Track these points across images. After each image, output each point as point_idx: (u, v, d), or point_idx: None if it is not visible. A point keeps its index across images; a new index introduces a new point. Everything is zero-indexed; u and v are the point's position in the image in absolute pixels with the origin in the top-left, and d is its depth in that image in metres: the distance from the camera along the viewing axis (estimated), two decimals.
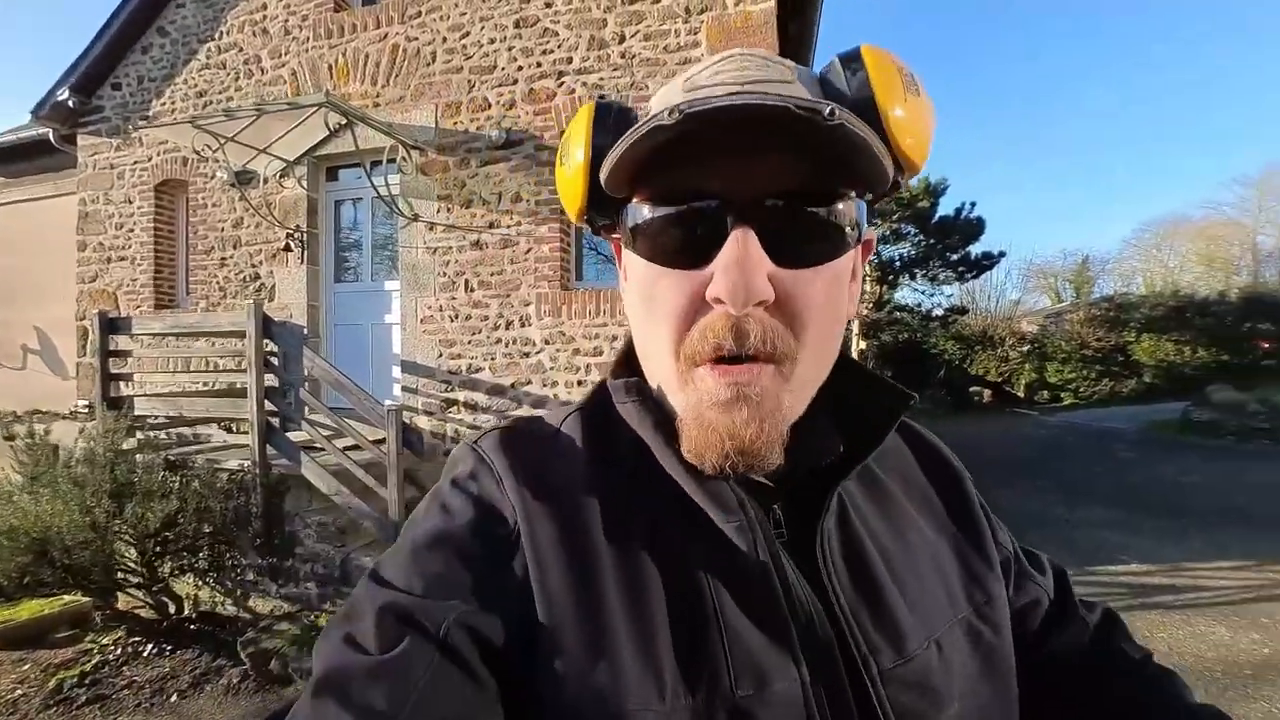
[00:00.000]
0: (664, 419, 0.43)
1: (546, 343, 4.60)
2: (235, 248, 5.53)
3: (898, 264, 16.35)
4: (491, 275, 4.74)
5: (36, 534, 2.96)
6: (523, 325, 4.66)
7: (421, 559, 0.41)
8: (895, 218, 15.09)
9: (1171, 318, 17.34)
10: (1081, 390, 17.23)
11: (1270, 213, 23.18)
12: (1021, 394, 17.18)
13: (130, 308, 5.85)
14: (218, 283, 5.61)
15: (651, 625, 0.39)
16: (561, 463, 0.46)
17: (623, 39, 4.48)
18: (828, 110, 0.34)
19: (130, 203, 5.96)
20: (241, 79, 5.56)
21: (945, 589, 0.47)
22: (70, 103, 5.96)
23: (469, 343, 4.79)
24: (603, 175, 0.40)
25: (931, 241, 15.79)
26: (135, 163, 5.94)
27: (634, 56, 4.44)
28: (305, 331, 5.07)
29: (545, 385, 4.60)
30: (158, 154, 5.82)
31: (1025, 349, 17.69)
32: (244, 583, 3.61)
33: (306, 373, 3.94)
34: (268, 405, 3.88)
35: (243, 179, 5.15)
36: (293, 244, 5.25)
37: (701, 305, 0.39)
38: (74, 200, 6.33)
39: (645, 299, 0.42)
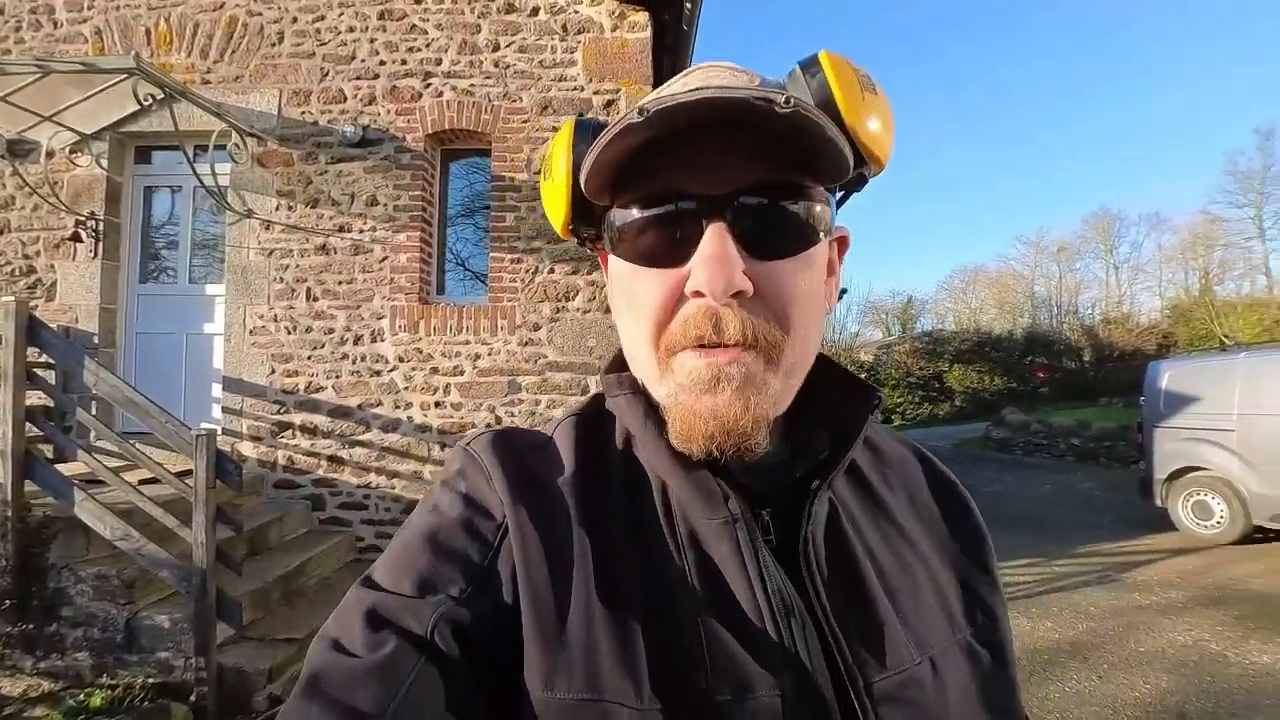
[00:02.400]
0: (653, 411, 0.44)
1: (401, 360, 4.22)
2: (1, 233, 4.47)
3: None
4: (339, 284, 4.27)
5: None
6: (374, 340, 4.24)
7: (410, 558, 0.42)
8: None
9: (975, 351, 20.50)
10: (908, 412, 19.66)
11: (1043, 267, 28.53)
12: None
13: None
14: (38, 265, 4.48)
15: (631, 623, 0.39)
16: (551, 461, 0.47)
17: (497, 47, 4.32)
18: (783, 99, 0.36)
19: None
20: (25, 29, 4.55)
21: (944, 608, 0.47)
22: None
23: (309, 358, 4.25)
24: (582, 182, 0.42)
25: None
26: None
27: (508, 67, 4.30)
28: (96, 340, 4.21)
29: (398, 407, 4.20)
30: None
31: (862, 376, 19.81)
32: None
33: (92, 390, 3.22)
34: (31, 430, 3.11)
35: (16, 151, 4.20)
36: (84, 234, 4.34)
37: (681, 299, 0.40)
38: None
39: (627, 299, 0.44)
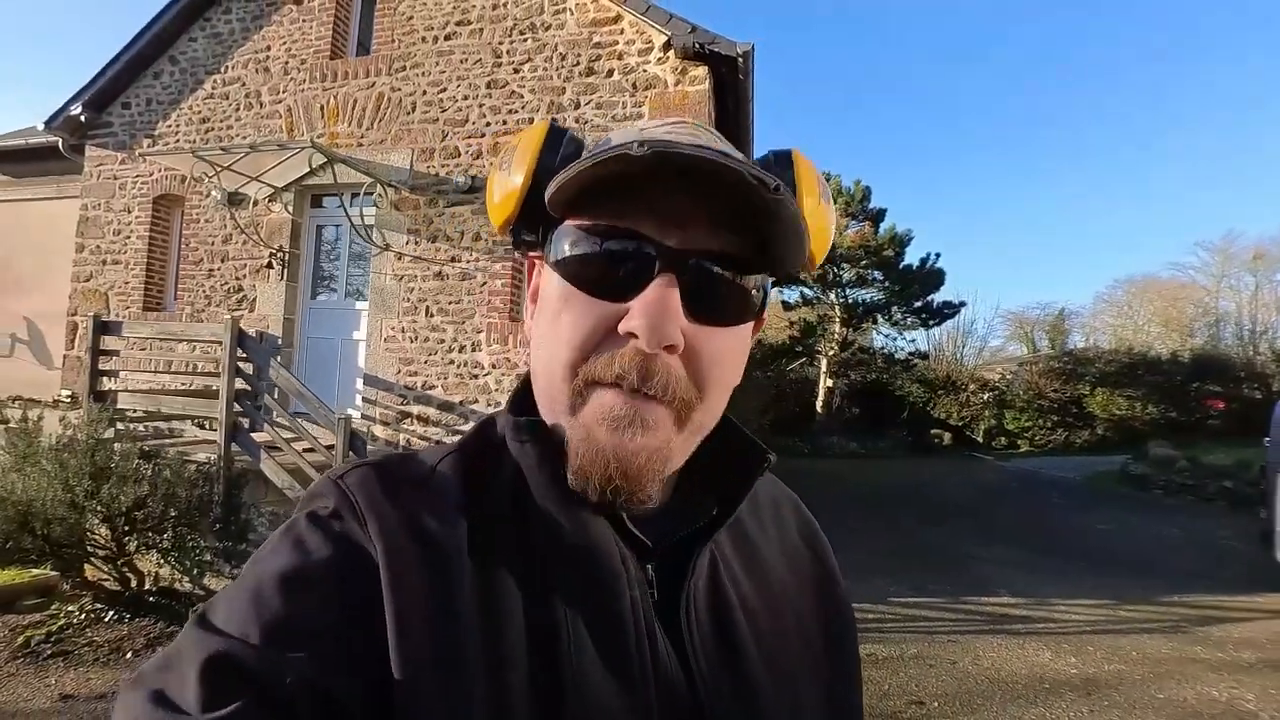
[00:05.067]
0: (555, 457, 0.42)
1: (493, 366, 5.15)
2: (223, 261, 6.07)
3: (861, 308, 17.10)
4: (450, 304, 5.30)
5: (21, 507, 3.43)
6: (474, 350, 5.21)
7: (265, 602, 0.36)
8: (863, 264, 15.87)
9: (1124, 374, 18.17)
10: (1037, 438, 17.92)
11: (1232, 278, 24.31)
12: (981, 439, 17.85)
13: (120, 307, 6.35)
14: (204, 291, 6.13)
15: (509, 684, 0.37)
16: (434, 505, 0.42)
17: (578, 105, 5.12)
18: (774, 184, 0.37)
19: (129, 212, 6.50)
20: (241, 110, 6.15)
21: (810, 652, 0.49)
22: (82, 116, 6.53)
23: (425, 362, 5.33)
24: (550, 188, 0.40)
25: (896, 288, 16.60)
26: (137, 176, 6.49)
27: (586, 121, 5.08)
28: (279, 342, 5.59)
29: (490, 405, 5.13)
30: (159, 170, 6.38)
31: (986, 396, 18.42)
32: (201, 563, 4.06)
33: (274, 380, 4.46)
34: (236, 407, 4.39)
35: (234, 201, 5.72)
36: (275, 262, 5.80)
37: (610, 335, 0.40)
38: (70, 203, 6.88)
39: (554, 318, 0.42)
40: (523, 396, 0.48)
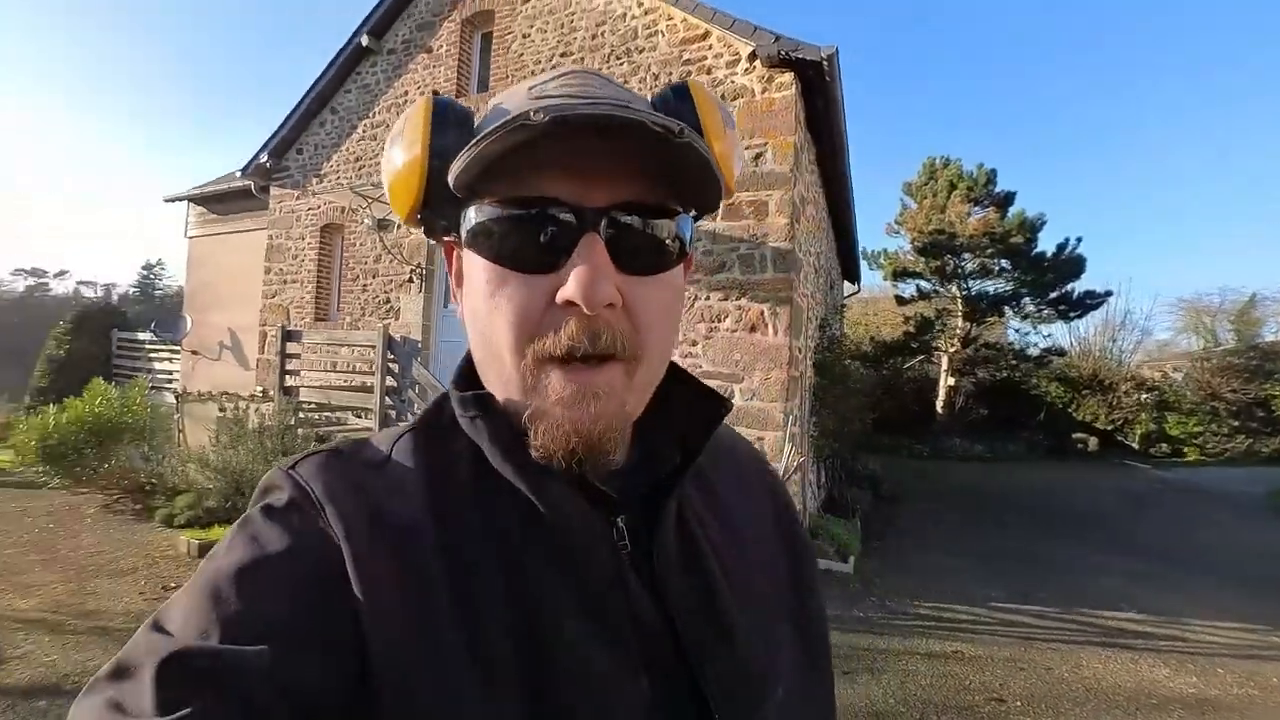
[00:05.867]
0: (508, 428, 0.42)
1: None
2: (374, 278, 7.14)
3: (986, 301, 15.75)
4: None
5: (234, 476, 4.43)
6: None
7: (221, 600, 0.34)
8: (988, 253, 14.67)
9: None
10: (1209, 446, 15.57)
11: None
12: (1136, 445, 15.84)
13: (297, 319, 7.67)
14: (360, 303, 7.25)
15: (493, 653, 0.37)
16: (393, 486, 0.42)
17: None
18: (678, 129, 0.36)
19: (303, 239, 7.82)
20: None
21: (773, 582, 0.52)
22: (267, 163, 7.96)
23: None
24: (453, 170, 0.39)
25: (1027, 278, 15.14)
26: (309, 209, 7.80)
27: (701, 87, 5.40)
28: (419, 346, 6.51)
29: None
30: (324, 204, 7.62)
31: (1143, 396, 16.29)
32: None
33: (415, 378, 5.26)
34: (387, 401, 5.24)
35: (382, 226, 6.72)
36: (415, 277, 6.74)
37: (549, 306, 0.39)
38: (258, 235, 8.41)
39: (489, 301, 0.41)
40: (468, 373, 0.48)
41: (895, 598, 4.63)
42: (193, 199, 10.26)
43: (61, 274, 25.82)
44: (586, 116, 0.36)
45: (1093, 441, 15.90)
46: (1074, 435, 15.97)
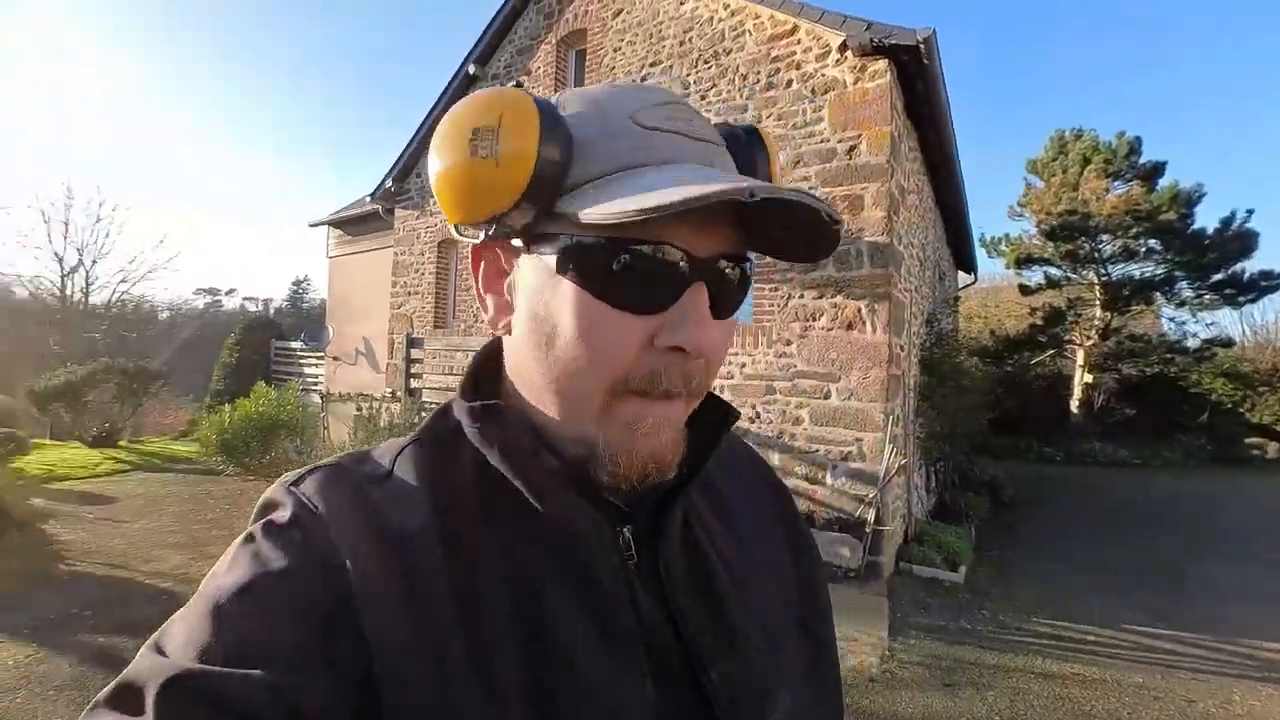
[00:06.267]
0: (524, 439, 0.42)
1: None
2: (469, 290, 7.69)
3: (1129, 287, 13.89)
4: None
5: None
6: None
7: (225, 620, 0.34)
8: (1132, 232, 12.99)
9: None
10: None
11: None
12: None
13: (419, 327, 8.44)
14: (472, 312, 7.85)
15: (499, 665, 0.37)
16: (397, 499, 0.42)
17: (760, 120, 5.45)
18: (838, 220, 0.39)
19: (423, 255, 8.60)
20: None
21: (780, 584, 0.52)
22: (391, 188, 8.83)
23: None
24: (611, 214, 0.36)
25: (1182, 259, 13.19)
26: (427, 228, 8.56)
27: (768, 133, 5.37)
28: None
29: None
30: (440, 222, 8.33)
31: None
32: None
33: None
34: None
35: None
36: None
37: (647, 347, 0.39)
38: (384, 253, 9.34)
39: (584, 332, 0.39)
40: (476, 383, 0.48)
41: (1009, 611, 4.31)
42: (332, 223, 11.60)
43: (230, 291, 29.99)
44: (782, 202, 0.36)
45: (1272, 447, 13.60)
46: (1247, 440, 13.75)
